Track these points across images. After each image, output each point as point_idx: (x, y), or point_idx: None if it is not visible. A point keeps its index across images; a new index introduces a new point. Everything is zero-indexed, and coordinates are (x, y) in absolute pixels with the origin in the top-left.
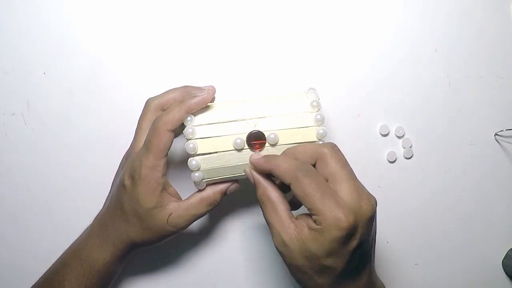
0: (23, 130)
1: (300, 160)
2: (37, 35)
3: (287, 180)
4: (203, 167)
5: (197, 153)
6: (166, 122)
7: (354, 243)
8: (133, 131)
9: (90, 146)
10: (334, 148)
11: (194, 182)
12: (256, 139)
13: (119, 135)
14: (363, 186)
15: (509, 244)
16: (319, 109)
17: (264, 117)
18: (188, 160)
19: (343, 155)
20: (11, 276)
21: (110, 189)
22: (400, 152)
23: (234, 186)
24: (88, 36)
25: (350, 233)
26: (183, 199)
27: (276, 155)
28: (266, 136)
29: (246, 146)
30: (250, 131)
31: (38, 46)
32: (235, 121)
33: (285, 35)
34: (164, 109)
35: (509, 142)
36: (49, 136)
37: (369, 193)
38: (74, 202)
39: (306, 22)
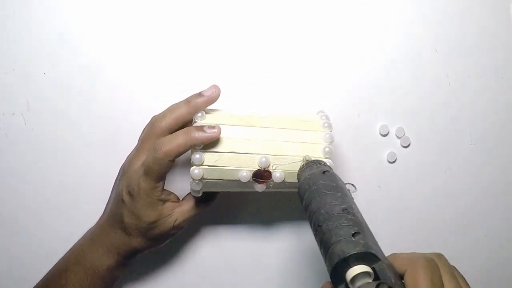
0: (23, 130)
1: None
2: (37, 35)
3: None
4: (204, 187)
5: (201, 178)
6: (167, 154)
7: None
8: (133, 131)
9: (90, 146)
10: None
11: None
12: (262, 177)
13: (119, 135)
14: None
15: (509, 244)
16: (331, 142)
17: (273, 155)
18: (190, 181)
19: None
20: (11, 277)
21: (110, 196)
22: (400, 152)
23: None
24: (88, 36)
25: None
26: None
27: None
28: (272, 174)
29: (251, 179)
30: (257, 168)
31: (38, 46)
32: (245, 153)
33: (284, 35)
34: (170, 130)
35: (508, 142)
36: (49, 136)
37: None
38: (74, 202)
39: (306, 22)
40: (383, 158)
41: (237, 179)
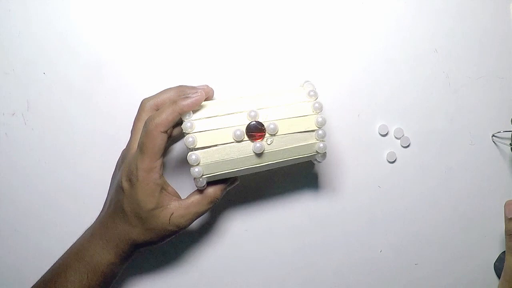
0: (23, 130)
1: None
2: (37, 35)
3: None
4: (203, 161)
5: (196, 147)
6: (158, 124)
7: None
8: None
9: (90, 146)
10: None
11: (194, 179)
12: (255, 130)
13: (119, 134)
14: None
15: None
16: (316, 98)
17: (263, 108)
18: (188, 155)
19: None
20: (11, 276)
21: (109, 190)
22: (400, 152)
23: (234, 182)
24: (88, 36)
25: None
26: (182, 198)
27: None
28: (265, 127)
29: (246, 138)
30: (249, 122)
31: (38, 46)
32: (233, 113)
33: (284, 35)
34: (158, 109)
35: (506, 144)
36: (49, 136)
37: None
38: (74, 202)
39: (306, 22)
40: (383, 158)
41: (233, 141)
